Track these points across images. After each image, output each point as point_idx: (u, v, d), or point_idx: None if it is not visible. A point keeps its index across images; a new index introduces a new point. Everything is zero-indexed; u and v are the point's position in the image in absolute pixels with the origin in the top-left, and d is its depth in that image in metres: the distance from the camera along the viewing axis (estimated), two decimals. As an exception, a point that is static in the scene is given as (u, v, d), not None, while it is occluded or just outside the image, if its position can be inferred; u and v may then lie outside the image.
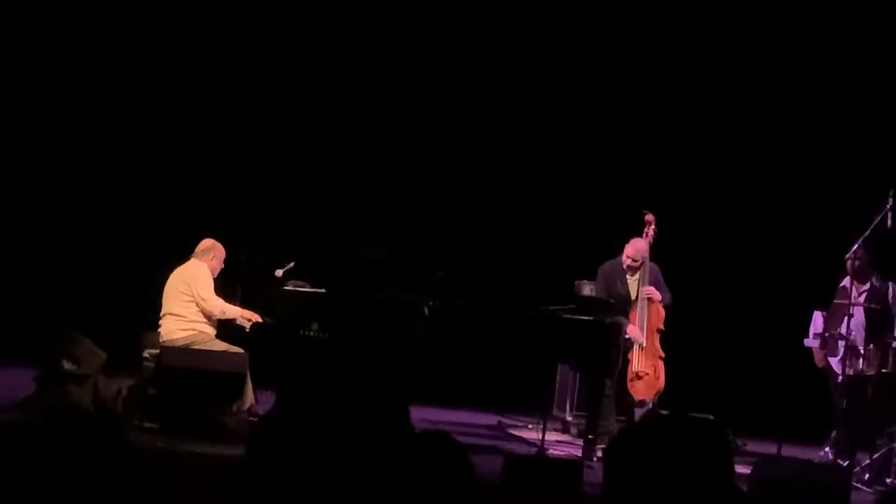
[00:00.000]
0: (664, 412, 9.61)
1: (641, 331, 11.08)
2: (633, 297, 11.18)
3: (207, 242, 10.70)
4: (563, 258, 13.19)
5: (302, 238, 12.99)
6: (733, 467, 3.58)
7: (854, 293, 11.16)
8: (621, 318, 10.87)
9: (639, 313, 11.11)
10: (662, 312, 11.20)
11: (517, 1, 14.48)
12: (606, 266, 11.31)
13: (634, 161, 14.16)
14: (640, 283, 11.18)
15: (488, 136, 14.44)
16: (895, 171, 11.35)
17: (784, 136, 14.22)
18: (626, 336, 10.95)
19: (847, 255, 11.08)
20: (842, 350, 11.03)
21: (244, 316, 10.59)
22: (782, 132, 14.24)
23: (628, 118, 14.37)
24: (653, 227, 11.37)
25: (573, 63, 14.42)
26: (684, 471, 3.40)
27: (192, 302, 10.43)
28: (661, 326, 11.20)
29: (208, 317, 10.48)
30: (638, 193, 12.49)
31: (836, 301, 11.36)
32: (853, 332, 11.04)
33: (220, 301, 10.51)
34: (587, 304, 11.00)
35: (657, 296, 11.16)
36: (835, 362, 11.24)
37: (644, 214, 11.40)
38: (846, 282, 11.27)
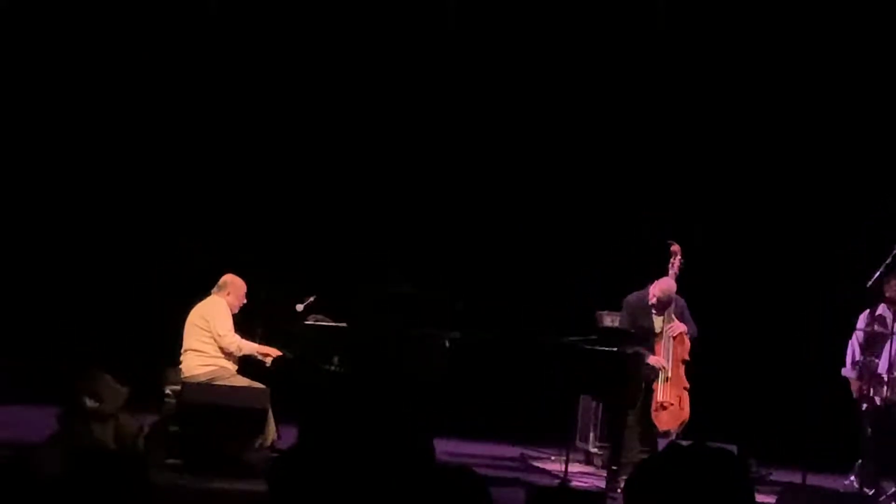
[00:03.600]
0: (685, 443, 9.56)
1: (667, 362, 11.01)
2: (658, 330, 11.11)
3: (226, 278, 10.71)
4: (584, 289, 13.16)
5: (322, 272, 12.99)
6: (755, 498, 3.56)
7: (889, 320, 11.08)
8: (643, 349, 10.83)
9: (664, 345, 11.04)
10: (688, 344, 11.14)
11: (539, 26, 14.50)
12: (632, 298, 11.22)
13: (660, 191, 14.13)
14: (666, 318, 11.11)
15: (510, 167, 14.44)
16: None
17: (809, 165, 14.17)
18: (650, 367, 10.89)
19: (869, 284, 11.00)
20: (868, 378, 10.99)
21: (261, 352, 10.59)
22: (809, 162, 14.19)
23: (655, 147, 14.35)
24: (679, 258, 11.29)
25: (599, 94, 14.42)
26: (706, 502, 3.39)
27: (211, 338, 10.43)
28: (687, 357, 11.14)
29: (228, 353, 10.48)
30: (663, 224, 12.45)
31: (864, 329, 11.26)
32: (884, 361, 10.99)
33: (237, 337, 10.51)
34: (609, 335, 10.96)
35: (685, 330, 11.09)
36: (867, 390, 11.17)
37: (669, 245, 11.33)
38: (882, 310, 11.19)
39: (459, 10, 14.51)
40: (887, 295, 11.11)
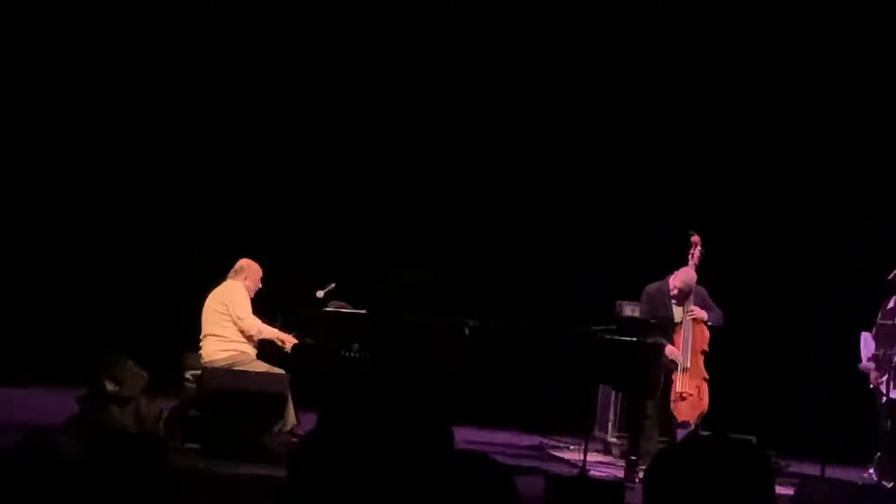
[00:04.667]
0: (705, 433, 9.56)
1: (686, 352, 11.02)
2: (678, 320, 11.10)
3: (241, 262, 10.77)
4: (605, 278, 13.16)
5: (343, 259, 13.00)
6: (774, 490, 3.56)
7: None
8: (663, 339, 10.83)
9: (683, 335, 11.04)
10: (707, 334, 11.13)
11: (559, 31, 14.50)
12: (652, 288, 11.22)
13: (681, 181, 14.12)
14: (686, 308, 11.09)
15: (532, 157, 14.43)
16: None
17: (828, 157, 14.15)
18: (669, 357, 10.88)
19: (891, 276, 11.02)
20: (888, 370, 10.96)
21: (280, 338, 10.62)
22: (826, 153, 14.17)
23: (675, 138, 14.34)
24: (699, 248, 11.27)
25: (616, 88, 14.41)
26: (725, 493, 3.38)
27: (230, 322, 10.48)
28: (706, 348, 11.14)
29: (247, 336, 10.52)
30: (683, 214, 12.44)
31: (881, 321, 11.26)
32: (896, 353, 10.98)
33: (257, 321, 10.56)
34: (629, 324, 10.95)
35: (703, 315, 11.08)
36: (883, 383, 11.16)
37: (690, 236, 11.32)
38: (893, 302, 11.19)
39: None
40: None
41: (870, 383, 11.35)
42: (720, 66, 14.30)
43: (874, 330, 11.37)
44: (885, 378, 11.07)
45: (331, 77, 14.36)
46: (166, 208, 14.05)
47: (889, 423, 10.95)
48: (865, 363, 11.39)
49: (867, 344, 11.38)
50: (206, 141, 14.20)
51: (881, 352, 11.11)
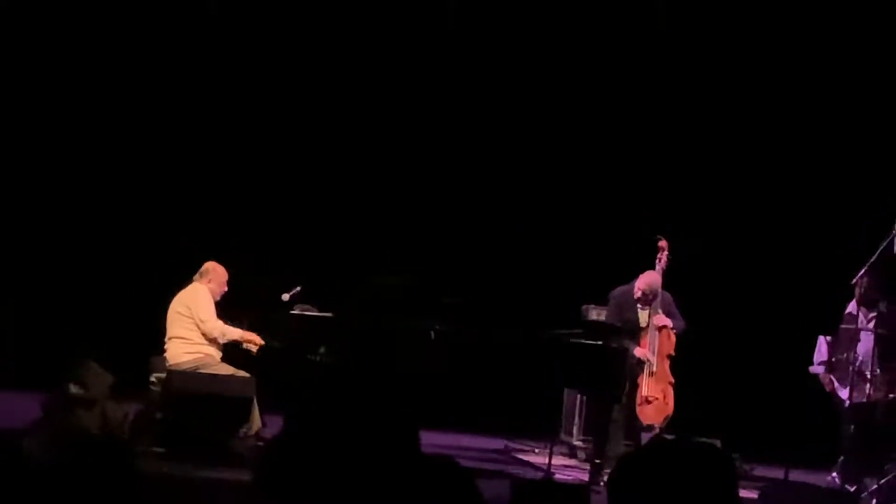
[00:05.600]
0: (670, 437, 9.59)
1: (652, 355, 11.03)
2: (644, 324, 11.13)
3: (207, 265, 10.78)
4: (570, 282, 13.18)
5: (308, 263, 12.99)
6: (738, 493, 3.58)
7: (862, 319, 11.16)
8: (628, 342, 10.86)
9: (650, 339, 11.07)
10: (673, 339, 11.16)
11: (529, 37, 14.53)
12: (618, 292, 11.23)
13: (647, 186, 14.16)
14: (652, 314, 11.12)
15: (498, 163, 14.45)
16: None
17: (791, 162, 14.23)
18: (636, 361, 10.91)
19: (854, 281, 11.10)
20: (850, 375, 11.03)
21: (245, 338, 10.61)
22: (789, 158, 14.25)
23: (642, 143, 14.38)
24: (666, 253, 11.29)
25: (586, 88, 14.44)
26: (689, 496, 3.41)
27: (194, 324, 10.48)
28: (672, 352, 11.16)
29: (211, 339, 10.51)
30: (650, 219, 12.47)
31: (842, 326, 11.34)
32: (860, 358, 11.04)
33: (220, 323, 10.55)
34: (595, 328, 10.99)
35: (667, 322, 11.11)
36: (842, 388, 11.23)
37: (657, 241, 11.34)
38: (852, 307, 11.27)
39: (459, 9, 14.51)
40: (856, 292, 11.18)
41: (824, 387, 11.41)
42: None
43: (835, 335, 11.43)
44: (840, 382, 11.15)
45: (304, 83, 14.34)
46: (131, 210, 13.99)
47: (852, 427, 11.01)
48: (816, 367, 11.46)
49: (821, 348, 11.46)
50: (172, 143, 14.15)
51: (844, 355, 11.17)
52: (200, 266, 10.79)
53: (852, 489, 10.64)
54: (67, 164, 13.98)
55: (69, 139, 13.99)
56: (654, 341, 11.05)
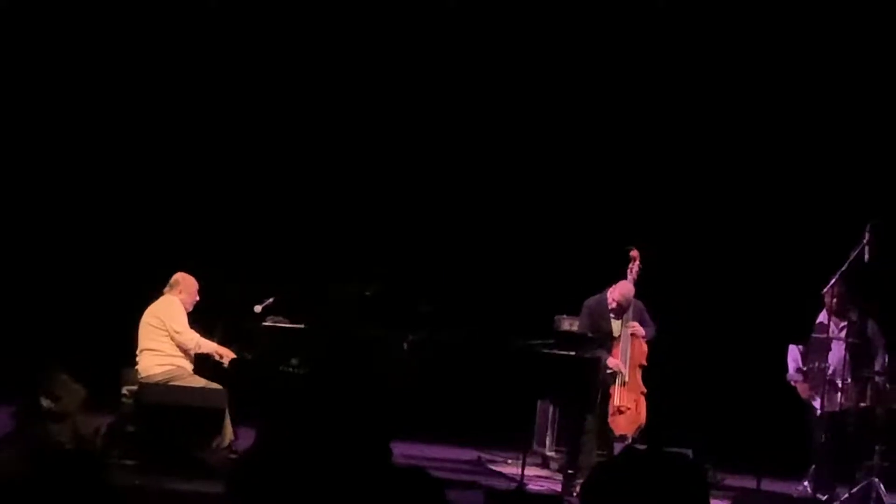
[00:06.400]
0: (641, 447, 9.61)
1: (624, 366, 11.06)
2: (616, 334, 11.15)
3: (177, 276, 10.74)
4: (543, 292, 13.20)
5: (281, 274, 12.97)
6: (710, 502, 3.60)
7: (833, 328, 11.22)
8: (602, 352, 10.88)
9: (622, 348, 11.09)
10: (645, 348, 11.18)
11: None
12: (591, 302, 11.25)
13: (618, 196, 14.20)
14: (625, 322, 11.15)
15: (472, 171, 14.48)
16: (871, 206, 11.43)
17: (762, 173, 14.28)
18: (609, 370, 10.93)
19: (824, 290, 11.15)
20: (822, 385, 11.08)
21: (218, 352, 10.59)
22: (759, 169, 14.31)
23: (614, 155, 14.42)
24: (637, 263, 11.32)
25: (554, 105, 14.48)
26: (660, 506, 3.42)
27: (167, 336, 10.44)
28: (644, 362, 11.19)
29: (184, 351, 10.48)
30: (622, 229, 12.50)
31: (814, 336, 11.39)
32: (832, 367, 11.09)
33: (195, 334, 10.52)
34: (568, 339, 10.99)
35: (641, 331, 11.14)
36: (814, 397, 11.27)
37: (629, 251, 11.37)
38: (823, 317, 11.32)
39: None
40: (827, 302, 11.24)
41: (801, 395, 11.45)
42: (654, 89, 14.42)
43: (807, 344, 11.48)
44: (814, 392, 11.20)
45: (269, 101, 14.34)
46: (101, 222, 13.95)
47: (823, 436, 11.05)
48: (793, 374, 11.50)
49: (795, 356, 11.50)
50: (142, 156, 14.12)
51: (815, 365, 11.22)
52: (170, 277, 10.76)
53: (824, 498, 10.69)
54: (36, 175, 13.93)
55: (35, 151, 13.94)
56: (627, 351, 11.08)
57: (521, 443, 10.89)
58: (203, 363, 10.60)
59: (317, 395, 10.12)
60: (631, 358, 11.09)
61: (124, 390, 10.43)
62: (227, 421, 10.21)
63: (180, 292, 10.66)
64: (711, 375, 13.51)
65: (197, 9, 14.16)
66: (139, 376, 10.40)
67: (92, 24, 13.97)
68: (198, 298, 10.74)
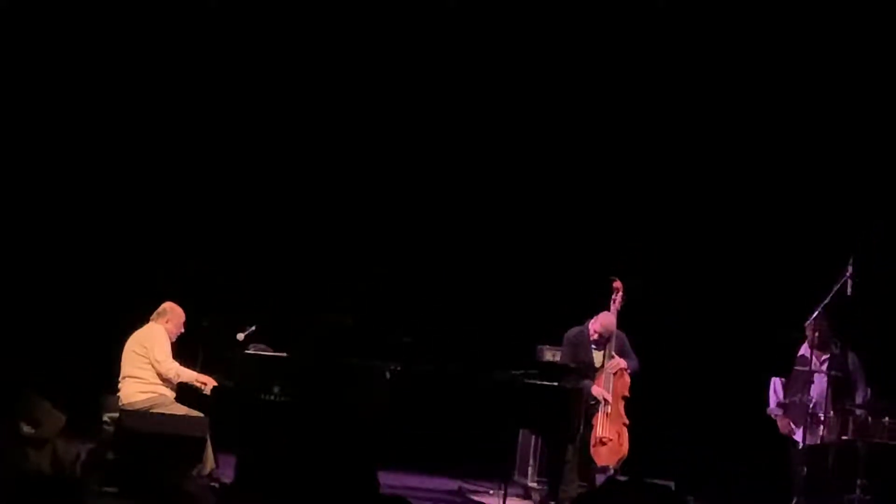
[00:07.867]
0: (623, 479, 9.60)
1: (608, 395, 11.03)
2: (598, 365, 11.15)
3: (165, 306, 10.75)
4: (525, 323, 13.20)
5: (263, 302, 12.97)
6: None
7: (815, 361, 11.24)
8: (585, 382, 10.88)
9: (605, 380, 11.08)
10: (627, 380, 11.17)
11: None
12: (573, 333, 11.26)
13: (601, 228, 14.20)
14: (607, 354, 11.14)
15: (450, 204, 14.48)
16: (853, 240, 11.47)
17: (743, 204, 14.31)
18: (593, 400, 10.92)
19: (807, 323, 11.18)
20: (804, 418, 11.09)
21: (199, 380, 10.56)
22: (741, 200, 14.33)
23: (596, 187, 14.44)
24: (620, 294, 11.32)
25: (543, 127, 14.50)
26: (643, 538, 3.42)
27: (149, 364, 10.44)
28: (627, 394, 11.17)
29: (165, 379, 10.47)
30: (605, 260, 12.50)
31: (796, 368, 11.41)
32: (814, 400, 11.11)
33: (176, 364, 10.52)
34: (550, 369, 11.00)
35: (623, 365, 11.12)
36: (796, 430, 11.28)
37: (612, 282, 11.37)
38: (805, 350, 11.35)
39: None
40: (808, 335, 11.28)
41: (780, 429, 11.45)
42: (636, 114, 14.45)
43: (789, 377, 11.49)
44: (795, 425, 11.21)
45: (272, 125, 14.36)
46: (85, 247, 13.92)
47: (805, 469, 11.06)
48: (773, 408, 11.51)
49: (776, 390, 11.51)
50: (127, 176, 14.11)
51: (798, 397, 11.23)
52: (157, 306, 10.75)
53: (804, 531, 10.68)
54: (19, 198, 13.91)
55: (31, 189, 13.95)
56: (609, 382, 11.07)
57: (502, 473, 10.86)
58: (185, 391, 10.58)
59: (299, 424, 10.10)
60: (614, 390, 11.08)
61: (105, 417, 10.40)
62: (209, 449, 10.19)
63: (167, 321, 10.66)
64: (694, 408, 13.51)
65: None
66: (120, 403, 10.38)
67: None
68: (184, 330, 10.74)
